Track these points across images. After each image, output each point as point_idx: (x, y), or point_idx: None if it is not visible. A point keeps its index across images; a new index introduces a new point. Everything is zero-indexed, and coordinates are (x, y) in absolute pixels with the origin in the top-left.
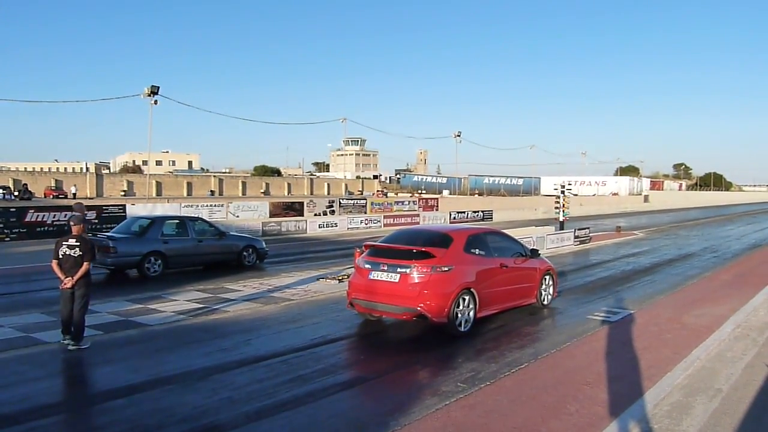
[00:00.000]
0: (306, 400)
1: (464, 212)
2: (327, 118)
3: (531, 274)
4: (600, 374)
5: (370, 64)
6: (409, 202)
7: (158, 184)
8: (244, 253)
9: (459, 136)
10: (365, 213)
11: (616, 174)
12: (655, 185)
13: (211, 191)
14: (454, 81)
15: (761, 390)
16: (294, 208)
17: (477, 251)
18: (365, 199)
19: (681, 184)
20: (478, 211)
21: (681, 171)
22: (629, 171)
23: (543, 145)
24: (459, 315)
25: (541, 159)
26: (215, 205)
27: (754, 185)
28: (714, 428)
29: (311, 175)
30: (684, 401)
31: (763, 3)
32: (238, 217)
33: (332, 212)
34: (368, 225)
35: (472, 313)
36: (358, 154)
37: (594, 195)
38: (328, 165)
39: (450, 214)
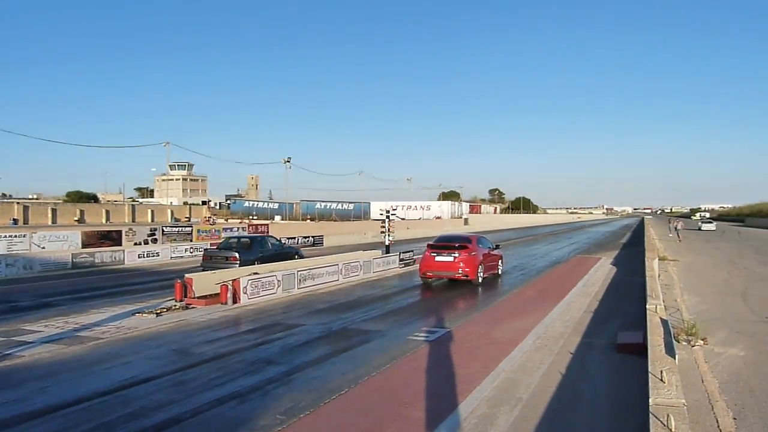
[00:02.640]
0: None
1: (295, 238)
2: (149, 142)
3: (496, 258)
4: (417, 393)
5: (196, 85)
6: (238, 228)
7: None
8: (296, 257)
9: (289, 161)
10: (191, 241)
11: (439, 199)
12: (474, 209)
13: (14, 219)
14: (285, 107)
15: (554, 396)
16: (111, 237)
17: (480, 245)
18: (191, 227)
19: (496, 207)
20: (308, 237)
21: (495, 196)
22: (451, 196)
23: (371, 171)
24: (479, 276)
25: (370, 185)
26: (16, 236)
27: (556, 208)
28: None
29: (133, 201)
30: (489, 413)
31: (567, 50)
32: (44, 248)
33: (154, 241)
34: (194, 253)
35: (482, 276)
36: (186, 179)
37: (420, 219)
38: (152, 190)
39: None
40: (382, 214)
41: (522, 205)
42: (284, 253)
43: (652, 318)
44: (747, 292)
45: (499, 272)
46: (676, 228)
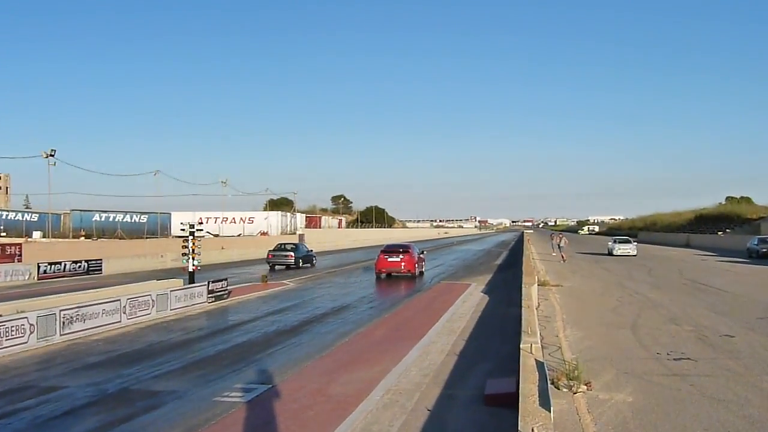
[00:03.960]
0: None
1: (61, 263)
2: None
3: (422, 260)
4: None
5: None
6: None
7: None
8: (313, 259)
9: (53, 155)
10: None
11: (265, 208)
12: (312, 222)
13: None
14: (48, 87)
15: None
16: None
17: (416, 249)
18: None
19: (341, 219)
20: (80, 262)
21: (340, 205)
22: (282, 204)
23: (172, 171)
24: (417, 271)
25: (171, 189)
26: None
27: (418, 221)
28: None
29: None
30: None
31: (423, 41)
32: None
33: None
34: None
35: (419, 271)
36: None
37: (239, 235)
38: None
39: (39, 267)
40: (184, 230)
41: (375, 217)
42: (310, 256)
43: (526, 360)
44: (638, 323)
45: (423, 270)
46: (559, 245)
